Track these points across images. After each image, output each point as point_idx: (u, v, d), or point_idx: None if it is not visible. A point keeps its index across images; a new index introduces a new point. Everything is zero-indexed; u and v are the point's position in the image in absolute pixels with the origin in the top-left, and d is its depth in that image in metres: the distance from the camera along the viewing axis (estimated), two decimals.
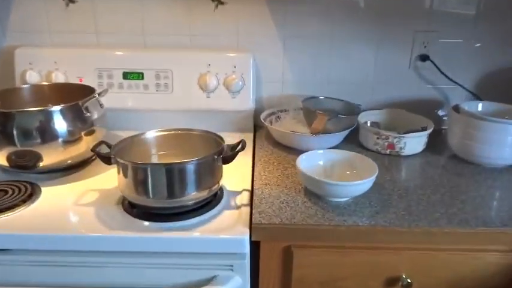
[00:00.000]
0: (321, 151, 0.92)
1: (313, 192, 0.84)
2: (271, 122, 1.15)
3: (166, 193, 0.77)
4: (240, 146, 0.82)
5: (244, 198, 0.86)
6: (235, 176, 0.93)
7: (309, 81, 1.21)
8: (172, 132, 0.92)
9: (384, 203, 0.83)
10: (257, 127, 1.22)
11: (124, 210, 0.81)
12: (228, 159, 0.81)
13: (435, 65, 1.17)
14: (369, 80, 1.21)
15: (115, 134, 1.07)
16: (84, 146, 0.93)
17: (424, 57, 1.18)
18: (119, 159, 0.78)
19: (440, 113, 1.24)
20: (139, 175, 0.76)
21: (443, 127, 1.22)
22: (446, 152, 1.07)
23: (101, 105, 1.01)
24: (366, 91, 1.22)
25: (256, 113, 1.18)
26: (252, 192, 0.88)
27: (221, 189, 0.88)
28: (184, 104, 1.14)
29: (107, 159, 0.80)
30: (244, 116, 1.18)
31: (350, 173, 0.89)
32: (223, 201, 0.85)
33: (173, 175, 0.76)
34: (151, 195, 0.77)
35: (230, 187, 0.90)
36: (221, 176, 0.84)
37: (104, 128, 1.00)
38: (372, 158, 0.89)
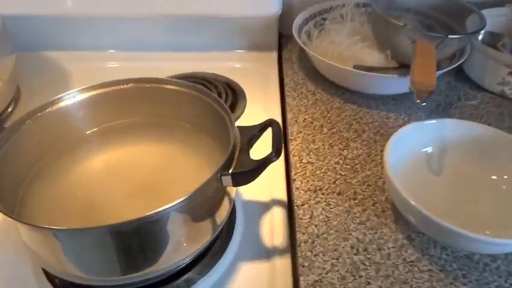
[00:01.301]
0: (433, 122, 0.46)
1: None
2: (309, 37, 0.66)
3: (119, 269, 0.35)
4: (271, 151, 0.37)
5: (277, 231, 0.44)
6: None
7: None
8: (126, 86, 0.46)
9: None
10: (283, 39, 0.73)
11: (45, 273, 0.41)
12: (244, 178, 0.37)
13: None
14: None
15: (40, 60, 0.70)
16: None
17: None
18: (11, 216, 0.33)
19: None
20: (54, 246, 0.34)
21: None
22: None
23: None
24: None
25: (284, 18, 0.68)
26: (290, 210, 0.46)
27: (233, 208, 0.45)
28: (157, 8, 0.66)
29: None
30: (263, 26, 0.69)
31: (497, 177, 0.44)
32: (236, 235, 0.44)
33: (130, 240, 0.34)
34: (91, 273, 0.36)
35: (248, 192, 0.48)
36: (232, 201, 0.41)
37: (9, 58, 0.59)
38: (492, 106, 0.55)
